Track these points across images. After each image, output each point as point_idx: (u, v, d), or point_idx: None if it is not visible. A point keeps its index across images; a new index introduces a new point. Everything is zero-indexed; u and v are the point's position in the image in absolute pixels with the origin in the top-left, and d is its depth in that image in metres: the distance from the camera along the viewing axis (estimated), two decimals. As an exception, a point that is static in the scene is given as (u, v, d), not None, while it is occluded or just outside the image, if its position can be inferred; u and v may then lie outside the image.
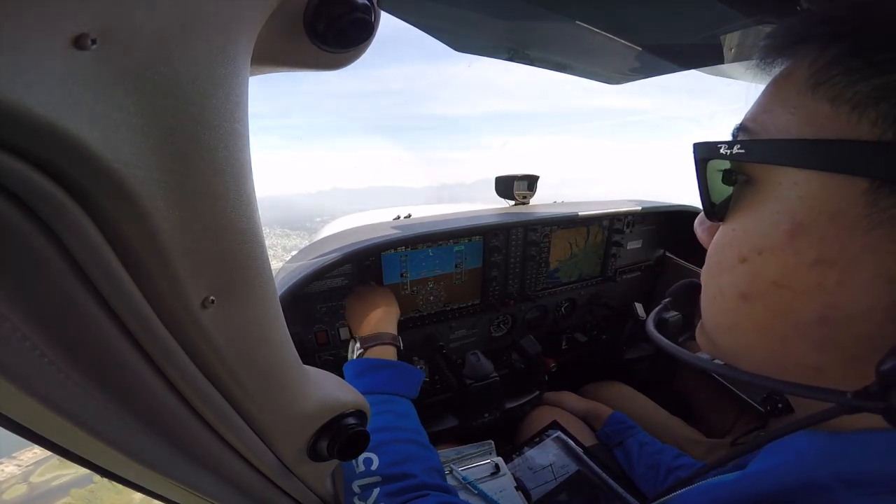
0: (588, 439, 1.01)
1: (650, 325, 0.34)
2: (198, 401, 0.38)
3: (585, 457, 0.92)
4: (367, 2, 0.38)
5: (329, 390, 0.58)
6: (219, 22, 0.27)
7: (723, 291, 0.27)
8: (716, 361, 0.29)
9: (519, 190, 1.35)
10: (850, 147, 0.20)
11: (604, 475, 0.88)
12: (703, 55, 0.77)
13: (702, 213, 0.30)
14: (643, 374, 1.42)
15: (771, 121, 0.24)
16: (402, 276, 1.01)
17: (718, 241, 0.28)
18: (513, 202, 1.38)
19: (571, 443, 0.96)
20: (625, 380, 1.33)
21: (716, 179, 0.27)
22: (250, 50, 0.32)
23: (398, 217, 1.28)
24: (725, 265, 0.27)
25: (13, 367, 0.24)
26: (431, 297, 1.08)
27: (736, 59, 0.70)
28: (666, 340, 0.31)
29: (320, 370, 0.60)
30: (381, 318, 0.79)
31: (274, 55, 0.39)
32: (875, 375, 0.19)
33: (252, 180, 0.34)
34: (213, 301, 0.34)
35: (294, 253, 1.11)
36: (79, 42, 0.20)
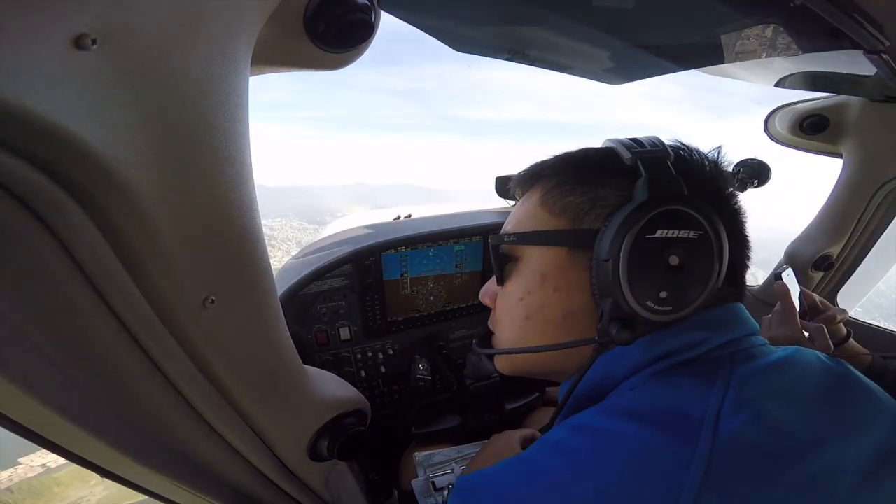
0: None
1: (476, 348, 0.54)
2: (197, 400, 0.38)
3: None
4: (367, 2, 0.38)
5: (329, 390, 0.58)
6: (219, 22, 0.27)
7: (513, 319, 0.46)
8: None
9: (519, 190, 1.35)
10: (559, 233, 0.42)
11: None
12: (703, 55, 0.77)
13: (483, 288, 0.52)
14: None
15: (522, 224, 0.46)
16: (402, 275, 1.01)
17: (503, 295, 0.47)
18: (513, 202, 1.38)
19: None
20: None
21: (496, 262, 0.47)
22: (250, 50, 0.32)
23: (398, 217, 1.28)
24: (512, 305, 0.45)
25: (13, 367, 0.24)
26: (431, 297, 1.08)
27: (736, 59, 0.70)
28: (489, 350, 0.51)
29: (320, 370, 0.60)
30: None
31: (274, 55, 0.39)
32: (597, 332, 0.38)
33: (253, 181, 0.34)
34: (213, 301, 0.34)
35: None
36: (79, 42, 0.20)
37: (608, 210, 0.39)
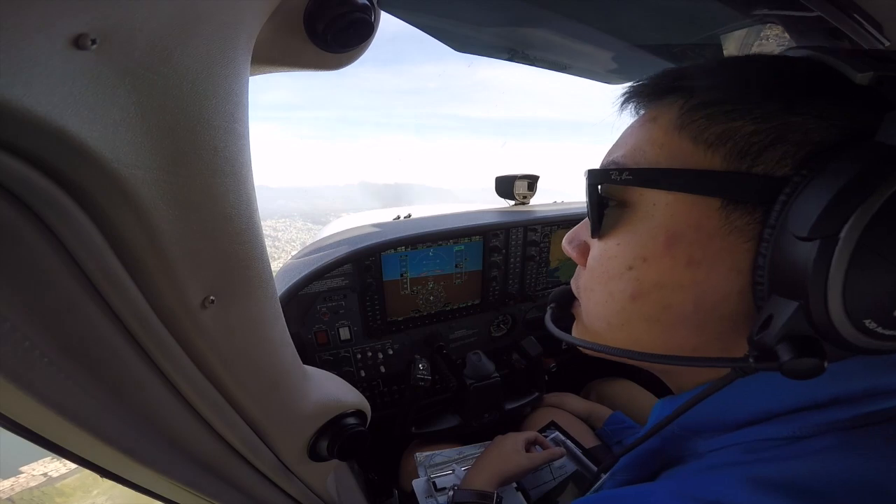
0: (589, 440, 1.01)
1: (550, 325, 0.39)
2: (197, 400, 0.38)
3: (584, 457, 0.92)
4: (366, 2, 0.38)
5: (329, 390, 0.58)
6: (218, 22, 0.27)
7: (613, 295, 0.31)
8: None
9: (519, 190, 1.35)
10: (708, 175, 0.26)
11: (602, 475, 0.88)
12: (703, 55, 0.77)
13: (570, 232, 0.37)
14: (643, 373, 1.41)
15: (642, 155, 0.30)
16: (402, 275, 1.01)
17: (601, 255, 0.33)
18: (513, 202, 1.38)
19: (569, 443, 0.96)
20: (627, 377, 1.33)
21: (593, 204, 0.32)
22: (250, 50, 0.32)
23: (398, 217, 1.28)
24: (614, 274, 0.31)
25: (13, 367, 0.24)
26: (431, 297, 1.08)
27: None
28: (567, 335, 0.37)
29: (320, 370, 0.60)
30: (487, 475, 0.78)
31: (274, 55, 0.39)
32: (749, 344, 0.25)
33: (252, 180, 0.34)
34: (212, 301, 0.34)
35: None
36: (79, 42, 0.20)
37: (809, 150, 0.24)
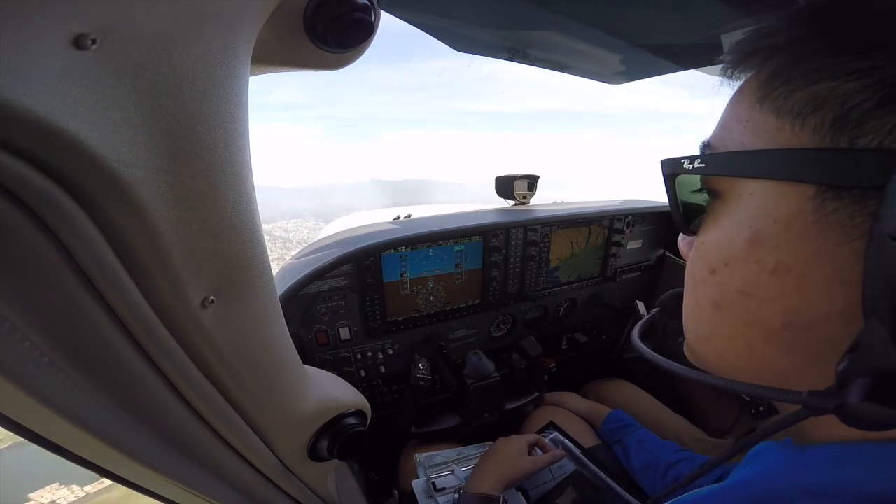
0: (590, 440, 1.01)
1: (636, 337, 0.34)
2: (197, 400, 0.38)
3: (583, 457, 0.92)
4: (367, 2, 0.38)
5: (329, 390, 0.58)
6: (219, 22, 0.27)
7: (699, 302, 0.28)
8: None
9: (519, 190, 1.35)
10: (794, 155, 0.21)
11: (601, 474, 0.88)
12: (703, 55, 0.77)
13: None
14: (643, 374, 1.42)
15: (728, 136, 0.25)
16: (401, 275, 1.01)
17: (693, 254, 0.29)
18: (513, 202, 1.38)
19: (569, 443, 0.96)
20: (625, 379, 1.33)
21: (690, 196, 0.28)
22: (250, 50, 0.32)
23: (398, 217, 1.28)
24: (699, 277, 0.27)
25: (13, 367, 0.24)
26: (431, 297, 1.08)
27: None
28: (649, 351, 0.32)
29: (320, 370, 0.60)
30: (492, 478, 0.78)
31: (274, 55, 0.39)
32: (835, 376, 0.19)
33: (252, 180, 0.34)
34: (212, 301, 0.34)
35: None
36: (79, 42, 0.20)
37: None
